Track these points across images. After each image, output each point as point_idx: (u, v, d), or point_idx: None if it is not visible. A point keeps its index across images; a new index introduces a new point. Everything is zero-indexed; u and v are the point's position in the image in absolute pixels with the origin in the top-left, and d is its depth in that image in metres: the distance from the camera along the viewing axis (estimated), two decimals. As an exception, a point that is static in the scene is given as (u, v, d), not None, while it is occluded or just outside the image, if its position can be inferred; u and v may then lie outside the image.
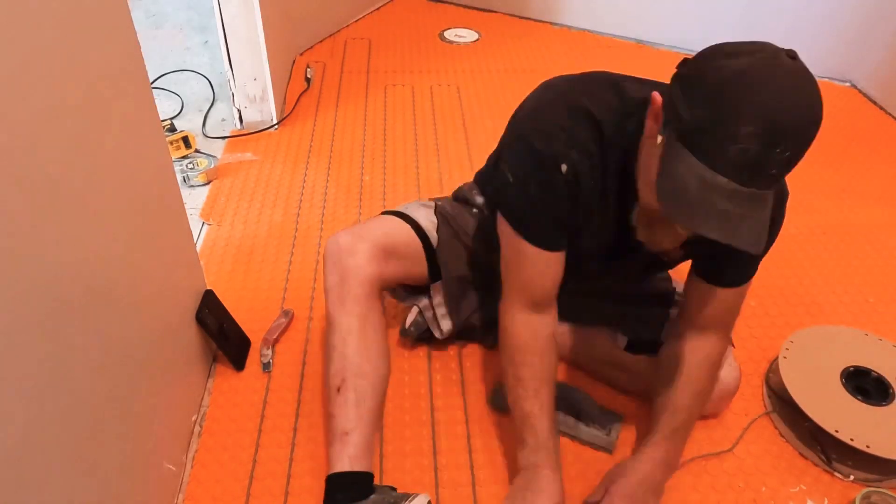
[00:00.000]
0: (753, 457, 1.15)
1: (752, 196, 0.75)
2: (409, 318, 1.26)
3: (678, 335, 1.08)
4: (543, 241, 0.99)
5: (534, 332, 1.04)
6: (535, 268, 1.01)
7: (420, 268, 1.18)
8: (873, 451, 1.07)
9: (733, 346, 1.16)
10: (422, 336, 1.28)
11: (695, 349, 1.06)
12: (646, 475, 1.00)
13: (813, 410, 1.12)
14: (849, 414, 1.13)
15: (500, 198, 1.04)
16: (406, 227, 1.18)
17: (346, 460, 1.01)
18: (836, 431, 1.10)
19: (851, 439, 1.08)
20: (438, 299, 1.22)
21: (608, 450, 1.14)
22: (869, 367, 1.20)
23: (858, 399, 1.15)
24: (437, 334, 1.24)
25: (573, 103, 0.93)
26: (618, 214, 0.98)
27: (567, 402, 1.15)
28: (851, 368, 1.20)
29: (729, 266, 1.01)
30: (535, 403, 1.02)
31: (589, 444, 1.15)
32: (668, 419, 1.04)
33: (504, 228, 1.01)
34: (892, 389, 1.17)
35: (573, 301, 1.12)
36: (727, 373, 1.12)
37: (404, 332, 1.28)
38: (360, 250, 1.11)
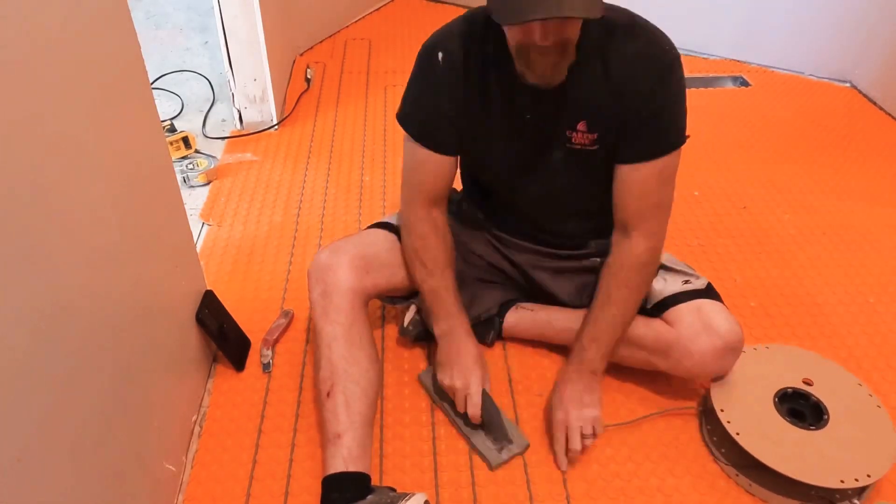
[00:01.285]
0: (753, 457, 1.15)
1: None
2: (408, 317, 1.28)
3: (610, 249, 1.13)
4: (434, 143, 1.09)
5: (433, 225, 1.15)
6: (428, 169, 1.12)
7: (403, 273, 1.20)
8: (742, 441, 1.05)
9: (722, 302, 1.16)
10: (420, 335, 1.29)
11: (618, 253, 1.11)
12: (572, 378, 1.13)
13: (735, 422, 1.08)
14: (776, 434, 1.08)
15: (399, 110, 1.13)
16: (387, 235, 1.22)
17: (341, 461, 1.02)
18: (728, 422, 1.08)
19: (737, 434, 1.06)
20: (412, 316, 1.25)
21: (490, 465, 1.10)
22: (808, 391, 1.14)
23: (787, 420, 1.09)
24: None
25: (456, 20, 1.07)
26: (507, 93, 1.04)
27: (483, 411, 1.12)
28: (789, 391, 1.14)
29: (630, 142, 1.04)
30: (440, 281, 1.14)
31: (478, 452, 1.13)
32: (585, 324, 1.14)
33: (405, 137, 1.12)
34: (827, 416, 1.10)
35: (537, 285, 1.25)
36: (726, 328, 1.10)
37: (403, 332, 1.29)
38: (339, 265, 1.14)
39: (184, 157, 1.81)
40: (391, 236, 1.21)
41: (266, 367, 1.27)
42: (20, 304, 0.65)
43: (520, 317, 1.29)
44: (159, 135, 1.04)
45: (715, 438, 1.14)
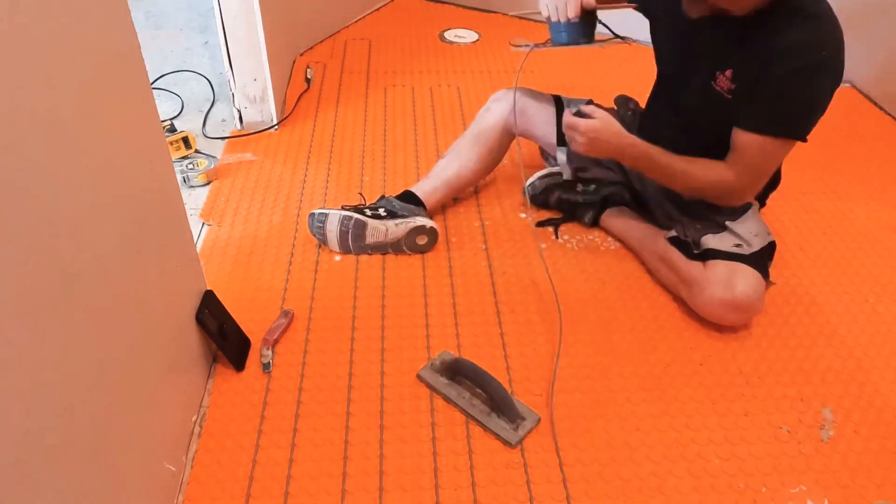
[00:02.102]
0: (754, 457, 1.15)
1: None
2: (529, 180, 1.67)
3: None
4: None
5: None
6: None
7: (548, 129, 1.52)
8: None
9: (770, 281, 1.40)
10: (536, 199, 1.69)
11: (718, 163, 1.35)
12: (617, 129, 1.36)
13: None
14: None
15: None
16: (549, 98, 1.56)
17: (417, 188, 1.58)
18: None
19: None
20: (561, 157, 1.50)
21: (510, 443, 1.15)
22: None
23: None
24: (565, 175, 1.51)
25: None
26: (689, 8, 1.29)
27: (486, 392, 1.19)
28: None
29: (748, 110, 1.28)
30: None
31: (495, 434, 1.16)
32: (659, 149, 1.37)
33: None
34: None
35: (645, 197, 1.57)
36: (741, 289, 1.29)
37: (525, 193, 1.69)
38: (503, 98, 1.60)
39: (184, 157, 1.81)
40: (550, 98, 1.55)
41: (266, 367, 1.27)
42: (20, 304, 0.65)
43: (618, 213, 1.61)
44: (159, 135, 1.04)
45: None
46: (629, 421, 1.20)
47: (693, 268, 1.36)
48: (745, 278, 1.30)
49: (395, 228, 1.49)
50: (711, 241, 1.36)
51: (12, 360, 0.63)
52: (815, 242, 1.65)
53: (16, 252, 0.64)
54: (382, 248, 1.52)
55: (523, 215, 1.69)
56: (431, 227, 1.51)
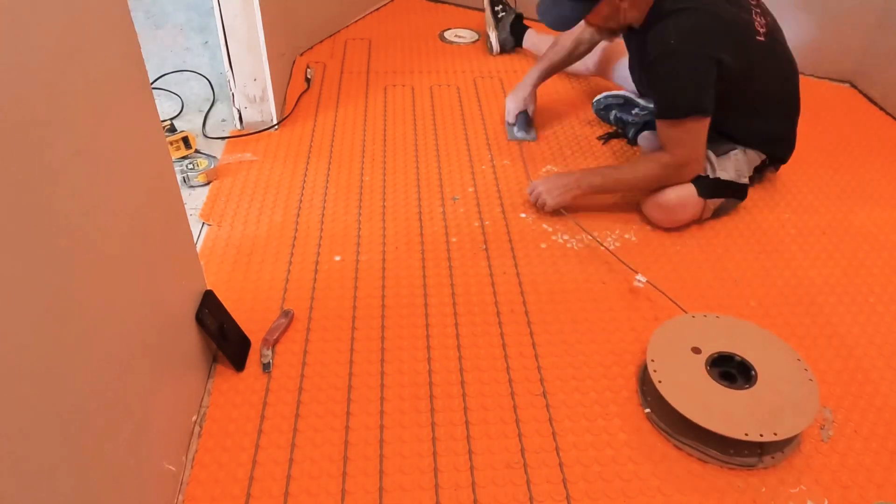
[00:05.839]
0: (753, 457, 1.15)
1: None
2: (597, 97, 2.04)
3: None
4: None
5: (582, 41, 1.97)
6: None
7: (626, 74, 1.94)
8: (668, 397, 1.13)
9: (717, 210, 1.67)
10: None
11: (656, 153, 1.62)
12: (570, 173, 1.67)
13: (679, 402, 1.14)
14: (711, 398, 1.14)
15: None
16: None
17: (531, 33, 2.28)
18: (660, 381, 1.16)
19: (655, 370, 1.17)
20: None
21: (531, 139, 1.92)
22: (733, 351, 1.21)
23: (723, 384, 1.16)
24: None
25: None
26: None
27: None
28: (716, 355, 1.21)
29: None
30: (557, 52, 1.99)
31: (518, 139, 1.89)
32: (610, 168, 1.74)
33: None
34: (755, 372, 1.18)
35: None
36: (672, 194, 1.59)
37: (593, 106, 2.06)
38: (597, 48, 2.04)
39: (184, 157, 1.80)
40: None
41: (266, 367, 1.27)
42: (19, 304, 0.65)
43: (652, 135, 1.77)
44: (159, 135, 1.04)
45: (650, 399, 1.22)
46: (629, 421, 1.20)
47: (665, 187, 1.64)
48: (678, 189, 1.59)
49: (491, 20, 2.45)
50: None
51: (12, 360, 0.63)
52: (815, 242, 1.65)
53: (15, 252, 0.64)
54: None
55: (523, 215, 1.69)
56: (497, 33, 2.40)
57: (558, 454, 1.14)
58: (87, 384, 0.78)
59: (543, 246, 1.60)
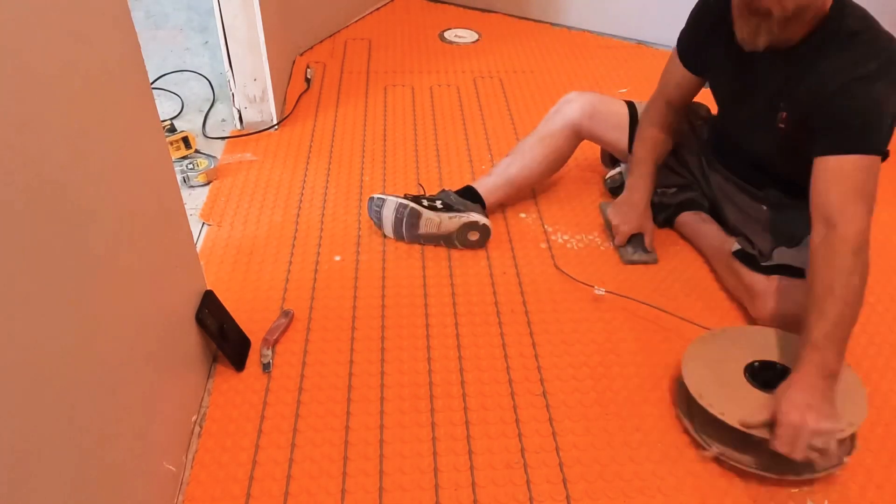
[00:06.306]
0: (753, 457, 1.15)
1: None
2: (612, 172, 1.72)
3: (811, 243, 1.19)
4: (682, 50, 1.48)
5: (663, 117, 1.55)
6: (673, 73, 1.51)
7: (619, 135, 1.62)
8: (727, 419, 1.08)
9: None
10: (615, 190, 1.71)
11: (820, 246, 1.16)
12: (809, 383, 1.06)
13: (715, 403, 1.11)
14: (748, 402, 1.10)
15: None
16: (623, 106, 1.64)
17: (479, 184, 1.61)
18: (701, 396, 1.11)
19: (710, 405, 1.10)
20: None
21: (622, 260, 1.54)
22: (773, 360, 1.19)
23: (765, 391, 1.12)
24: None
25: None
26: (733, 46, 1.26)
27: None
28: (756, 364, 1.18)
29: (822, 134, 1.19)
30: (647, 153, 1.55)
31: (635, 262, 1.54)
32: (812, 324, 1.10)
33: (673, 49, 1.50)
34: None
35: (716, 204, 1.55)
36: (789, 305, 1.28)
37: (606, 183, 1.76)
38: (575, 101, 1.62)
39: (184, 157, 1.80)
40: (625, 108, 1.63)
41: (266, 367, 1.27)
42: (20, 304, 0.65)
43: (693, 217, 1.60)
44: (159, 135, 1.04)
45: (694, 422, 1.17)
46: (629, 421, 1.20)
47: (755, 280, 1.35)
48: (792, 295, 1.28)
49: (448, 222, 1.52)
50: (786, 254, 1.35)
51: (12, 360, 0.63)
52: (815, 242, 1.65)
53: (15, 252, 0.64)
54: (435, 240, 1.56)
55: (523, 215, 1.69)
56: (484, 224, 1.53)
57: (558, 454, 1.14)
58: (87, 384, 0.78)
59: (543, 246, 1.60)
